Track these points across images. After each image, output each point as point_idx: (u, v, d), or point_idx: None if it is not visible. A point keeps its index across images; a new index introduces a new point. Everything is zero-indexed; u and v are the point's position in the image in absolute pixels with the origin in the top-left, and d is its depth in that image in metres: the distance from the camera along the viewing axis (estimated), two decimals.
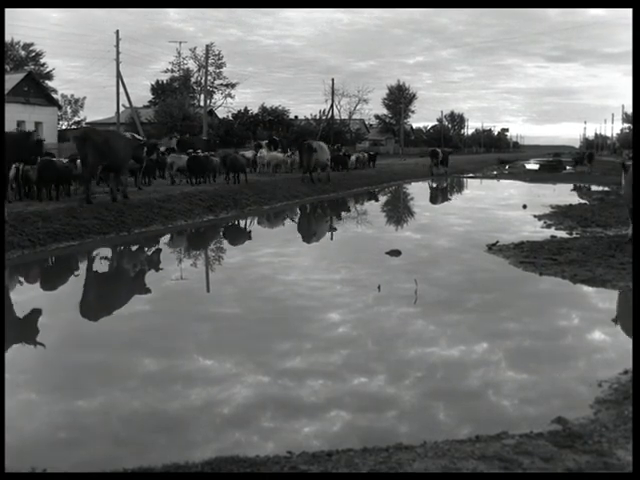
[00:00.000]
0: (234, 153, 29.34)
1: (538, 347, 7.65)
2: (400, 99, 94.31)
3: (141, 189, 21.41)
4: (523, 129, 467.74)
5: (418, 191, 36.37)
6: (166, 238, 16.74)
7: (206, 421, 5.59)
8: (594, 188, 33.13)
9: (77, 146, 18.04)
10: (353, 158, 41.09)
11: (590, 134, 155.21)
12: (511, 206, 24.81)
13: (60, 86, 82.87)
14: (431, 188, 38.75)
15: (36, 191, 17.86)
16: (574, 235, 16.07)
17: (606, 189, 31.06)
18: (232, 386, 6.37)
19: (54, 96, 54.39)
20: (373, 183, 35.87)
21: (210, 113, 55.35)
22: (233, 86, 64.96)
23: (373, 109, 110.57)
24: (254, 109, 62.78)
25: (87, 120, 65.80)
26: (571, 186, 36.08)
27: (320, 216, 23.94)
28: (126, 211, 16.93)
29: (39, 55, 66.17)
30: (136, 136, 21.33)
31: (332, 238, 17.85)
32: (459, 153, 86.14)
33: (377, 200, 30.64)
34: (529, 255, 12.93)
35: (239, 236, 18.21)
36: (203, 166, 24.97)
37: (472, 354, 7.42)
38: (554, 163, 64.03)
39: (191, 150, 27.47)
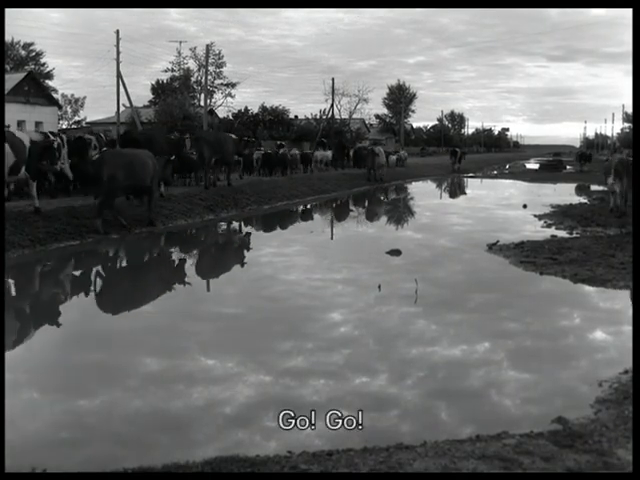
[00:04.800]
0: (283, 152, 34.48)
1: (538, 347, 7.65)
2: (400, 99, 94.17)
3: (242, 178, 27.30)
4: (523, 129, 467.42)
5: (419, 190, 36.42)
6: (165, 238, 16.74)
7: (208, 420, 5.59)
8: (594, 188, 33.09)
9: (194, 145, 23.35)
10: (394, 158, 46.79)
11: (590, 134, 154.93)
12: (511, 205, 24.81)
13: (60, 86, 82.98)
14: (431, 188, 38.90)
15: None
16: (574, 235, 16.07)
17: (606, 189, 31.00)
18: (234, 385, 6.38)
19: (54, 96, 54.33)
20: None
21: (210, 113, 55.29)
22: (233, 86, 64.74)
23: (373, 109, 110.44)
24: (254, 109, 62.81)
25: (87, 120, 65.73)
26: (571, 185, 36.08)
27: (319, 216, 23.96)
28: (126, 211, 16.91)
29: (39, 55, 66.13)
30: (233, 136, 26.46)
31: (332, 237, 17.85)
32: None
33: (375, 199, 30.68)
34: (529, 255, 12.93)
35: (239, 236, 18.23)
36: (279, 161, 31.95)
37: (473, 354, 7.43)
38: (554, 163, 63.78)
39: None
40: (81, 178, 18.90)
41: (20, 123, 42.59)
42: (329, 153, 41.02)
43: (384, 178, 36.55)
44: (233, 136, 25.88)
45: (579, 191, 32.28)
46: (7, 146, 14.07)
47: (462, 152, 58.00)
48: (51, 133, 19.30)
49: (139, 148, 17.97)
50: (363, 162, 39.55)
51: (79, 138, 20.78)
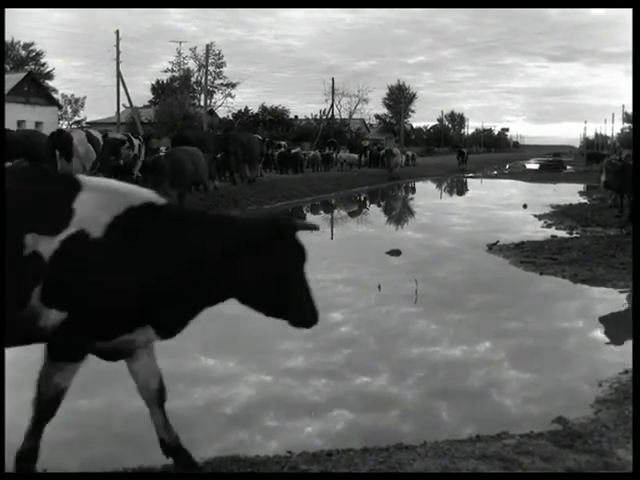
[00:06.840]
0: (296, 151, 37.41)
1: (538, 347, 7.65)
2: (400, 99, 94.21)
3: (262, 176, 28.65)
4: (523, 129, 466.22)
5: (420, 190, 36.48)
6: None
7: (208, 420, 5.59)
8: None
9: (230, 144, 25.36)
10: (403, 158, 47.49)
11: (590, 134, 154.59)
12: (511, 205, 24.82)
13: (60, 86, 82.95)
14: (432, 187, 39.02)
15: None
16: (574, 235, 16.08)
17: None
18: (234, 385, 6.37)
19: (54, 96, 54.42)
20: (374, 183, 36.09)
21: (210, 113, 55.34)
22: (233, 86, 64.90)
23: (373, 109, 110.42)
24: (254, 109, 62.92)
25: (87, 120, 65.75)
26: (571, 186, 36.05)
27: (319, 216, 23.97)
28: None
29: (39, 55, 66.27)
30: (259, 137, 28.95)
31: (332, 237, 17.85)
32: None
33: (374, 199, 30.72)
34: (529, 255, 12.94)
35: None
36: (293, 160, 35.14)
37: (473, 354, 7.43)
38: (554, 163, 63.83)
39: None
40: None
41: (20, 123, 42.56)
42: (355, 155, 43.56)
43: (399, 176, 39.04)
44: (259, 137, 28.82)
45: (587, 191, 32.06)
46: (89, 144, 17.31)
47: (467, 153, 61.82)
48: (133, 135, 22.53)
49: (191, 146, 20.02)
50: (375, 162, 43.92)
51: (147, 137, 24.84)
